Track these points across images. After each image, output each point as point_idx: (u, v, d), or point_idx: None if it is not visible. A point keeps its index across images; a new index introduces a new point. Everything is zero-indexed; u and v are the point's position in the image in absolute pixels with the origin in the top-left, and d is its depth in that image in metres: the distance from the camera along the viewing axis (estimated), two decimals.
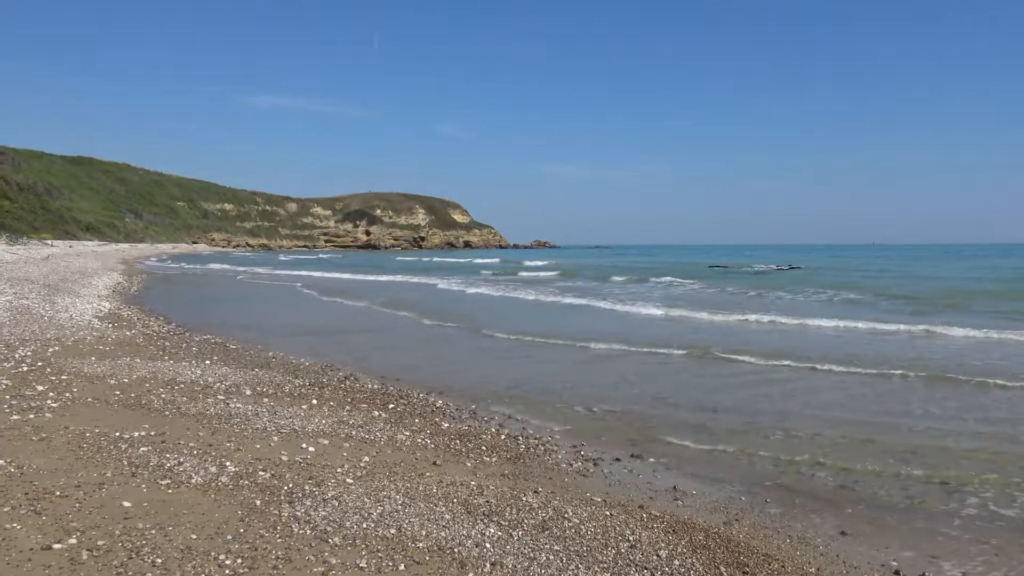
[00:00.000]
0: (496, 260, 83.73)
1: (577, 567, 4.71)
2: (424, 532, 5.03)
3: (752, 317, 20.50)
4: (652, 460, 7.54)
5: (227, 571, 4.14)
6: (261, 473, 5.98)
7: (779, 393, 10.67)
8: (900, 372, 12.09)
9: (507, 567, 4.60)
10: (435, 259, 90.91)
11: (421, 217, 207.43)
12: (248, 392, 9.37)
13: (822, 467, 7.33)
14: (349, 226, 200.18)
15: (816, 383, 11.47)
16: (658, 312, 22.81)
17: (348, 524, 5.04)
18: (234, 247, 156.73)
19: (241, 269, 56.90)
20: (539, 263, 69.13)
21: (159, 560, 4.16)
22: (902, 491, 6.66)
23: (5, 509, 4.68)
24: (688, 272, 50.65)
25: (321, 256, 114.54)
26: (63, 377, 9.16)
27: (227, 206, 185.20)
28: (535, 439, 8.10)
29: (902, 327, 17.97)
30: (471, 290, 32.91)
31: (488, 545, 4.91)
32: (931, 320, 19.23)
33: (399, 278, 44.22)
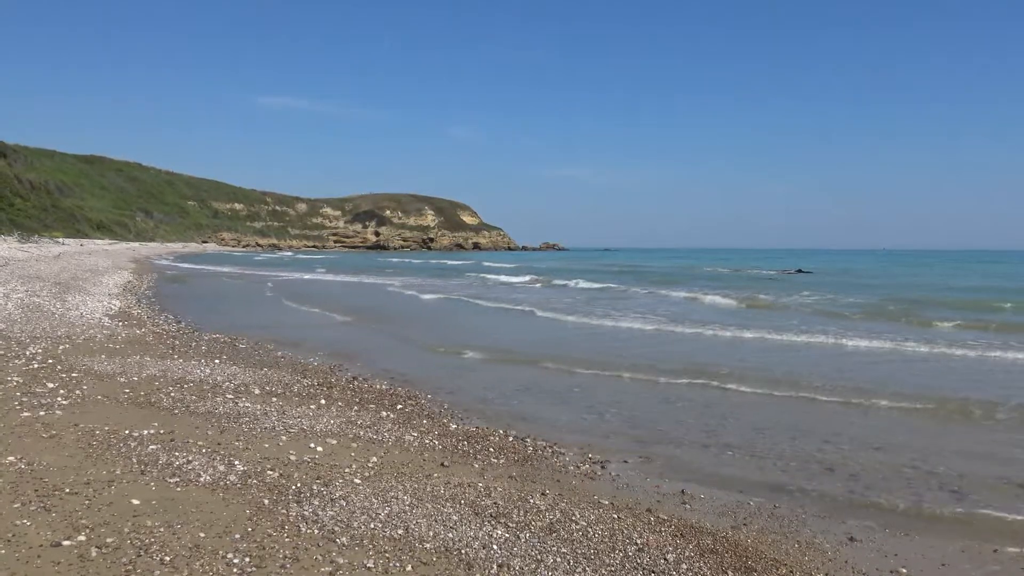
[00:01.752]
0: (470, 262, 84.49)
1: (584, 570, 4.70)
2: (431, 533, 5.03)
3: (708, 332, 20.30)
4: (660, 464, 7.53)
5: (235, 570, 4.15)
6: (269, 472, 5.99)
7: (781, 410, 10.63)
8: (905, 391, 12.00)
9: (514, 569, 4.59)
10: (414, 261, 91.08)
11: (430, 218, 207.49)
12: (257, 391, 9.40)
13: (831, 473, 7.30)
14: (359, 226, 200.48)
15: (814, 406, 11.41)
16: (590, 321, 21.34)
17: (356, 524, 5.04)
18: (244, 247, 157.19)
19: (210, 269, 56.29)
20: (507, 266, 69.68)
21: (167, 558, 4.18)
22: (912, 498, 6.63)
23: (16, 506, 4.71)
24: (688, 278, 50.25)
25: (299, 256, 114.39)
26: (73, 375, 9.21)
27: (237, 206, 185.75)
28: (543, 441, 8.09)
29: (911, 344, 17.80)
30: (425, 296, 31.47)
31: (495, 547, 4.91)
32: (944, 337, 19.05)
33: (369, 279, 45.00)
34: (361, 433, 7.73)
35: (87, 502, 4.89)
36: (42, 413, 7.13)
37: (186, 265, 60.01)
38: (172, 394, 8.66)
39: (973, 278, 50.62)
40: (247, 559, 4.29)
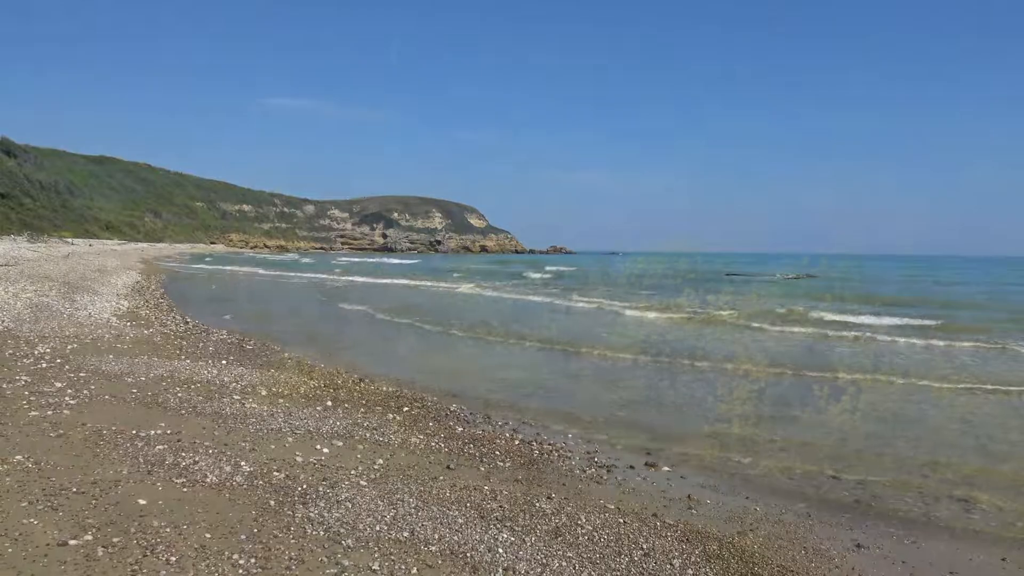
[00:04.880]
0: (418, 261, 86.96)
1: (590, 574, 4.69)
2: (437, 536, 5.02)
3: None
4: (667, 468, 7.50)
5: (241, 571, 4.15)
6: (276, 474, 6.00)
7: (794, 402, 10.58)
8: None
9: (520, 573, 4.58)
10: (384, 262, 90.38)
11: (438, 221, 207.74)
12: (264, 392, 9.41)
13: (838, 479, 7.26)
14: (366, 228, 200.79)
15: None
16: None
17: (361, 526, 5.04)
18: (251, 248, 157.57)
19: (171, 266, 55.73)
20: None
21: (174, 558, 4.18)
22: (919, 505, 6.59)
23: (23, 504, 4.72)
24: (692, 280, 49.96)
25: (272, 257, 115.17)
26: (81, 374, 9.23)
27: (245, 207, 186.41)
28: (549, 445, 8.08)
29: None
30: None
31: (501, 550, 4.89)
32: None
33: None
34: (367, 435, 7.73)
35: (94, 502, 4.90)
36: (50, 412, 7.15)
37: (171, 264, 60.10)
38: (179, 395, 8.68)
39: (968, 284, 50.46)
40: (253, 560, 4.29)
